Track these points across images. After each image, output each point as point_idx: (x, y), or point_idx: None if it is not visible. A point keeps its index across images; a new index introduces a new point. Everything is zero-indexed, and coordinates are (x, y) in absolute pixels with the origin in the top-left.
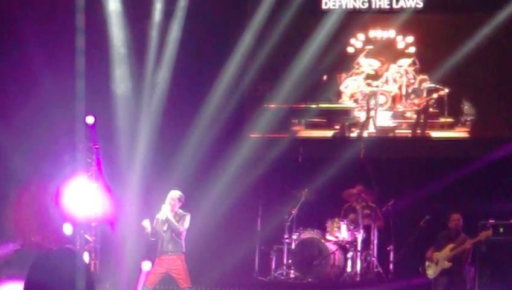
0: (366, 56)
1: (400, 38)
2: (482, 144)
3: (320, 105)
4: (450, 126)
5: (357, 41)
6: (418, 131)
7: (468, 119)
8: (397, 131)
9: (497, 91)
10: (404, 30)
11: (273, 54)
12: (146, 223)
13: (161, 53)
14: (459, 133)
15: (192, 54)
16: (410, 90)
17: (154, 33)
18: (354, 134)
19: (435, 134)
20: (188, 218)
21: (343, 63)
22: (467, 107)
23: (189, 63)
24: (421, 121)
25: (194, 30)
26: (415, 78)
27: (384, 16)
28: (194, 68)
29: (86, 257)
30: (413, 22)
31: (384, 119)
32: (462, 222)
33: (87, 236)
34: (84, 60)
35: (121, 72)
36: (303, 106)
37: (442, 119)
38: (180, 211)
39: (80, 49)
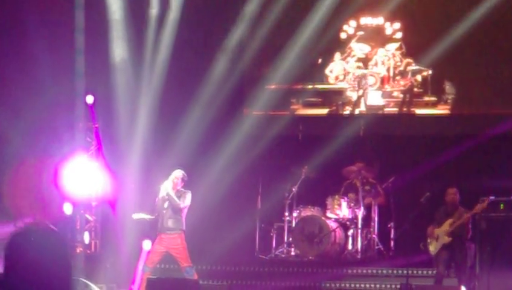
0: (358, 41)
1: (388, 24)
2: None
3: (316, 86)
4: (433, 104)
5: (349, 27)
6: (404, 109)
7: (449, 97)
8: (386, 109)
9: (475, 72)
10: (391, 17)
11: (272, 34)
12: (138, 216)
13: (159, 34)
14: (441, 110)
15: (192, 32)
16: (397, 72)
17: (152, 18)
18: (346, 112)
19: (419, 111)
20: (189, 195)
21: (337, 47)
22: (448, 86)
23: (189, 41)
24: (407, 99)
25: (191, 12)
26: (401, 61)
27: (373, 4)
28: (193, 46)
29: (86, 236)
30: (400, 9)
31: (374, 98)
32: (461, 197)
33: (87, 216)
34: (83, 38)
35: (120, 50)
36: (300, 86)
37: (426, 98)
38: (182, 189)
39: (79, 26)
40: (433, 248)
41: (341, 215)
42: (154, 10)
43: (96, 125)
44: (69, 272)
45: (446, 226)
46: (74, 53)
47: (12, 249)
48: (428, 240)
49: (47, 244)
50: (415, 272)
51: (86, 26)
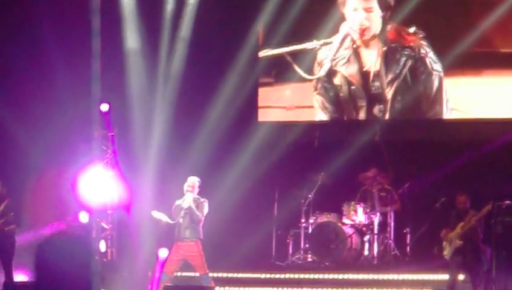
0: None
1: None
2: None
3: None
4: None
5: None
6: None
7: None
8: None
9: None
10: None
11: (287, 38)
12: (157, 215)
13: (174, 39)
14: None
15: (205, 41)
16: None
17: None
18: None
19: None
20: (206, 204)
21: None
22: None
23: (202, 49)
24: None
25: (207, 15)
26: None
27: None
28: (208, 54)
29: (102, 244)
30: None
31: None
32: (475, 202)
33: (103, 224)
34: (99, 43)
35: (135, 60)
36: None
37: None
38: (198, 197)
39: (95, 31)
40: (446, 252)
41: (357, 221)
42: (169, 6)
43: (112, 134)
44: (90, 281)
45: (458, 229)
46: (90, 59)
47: (41, 258)
48: (444, 244)
49: (72, 253)
50: (431, 277)
51: (101, 31)
